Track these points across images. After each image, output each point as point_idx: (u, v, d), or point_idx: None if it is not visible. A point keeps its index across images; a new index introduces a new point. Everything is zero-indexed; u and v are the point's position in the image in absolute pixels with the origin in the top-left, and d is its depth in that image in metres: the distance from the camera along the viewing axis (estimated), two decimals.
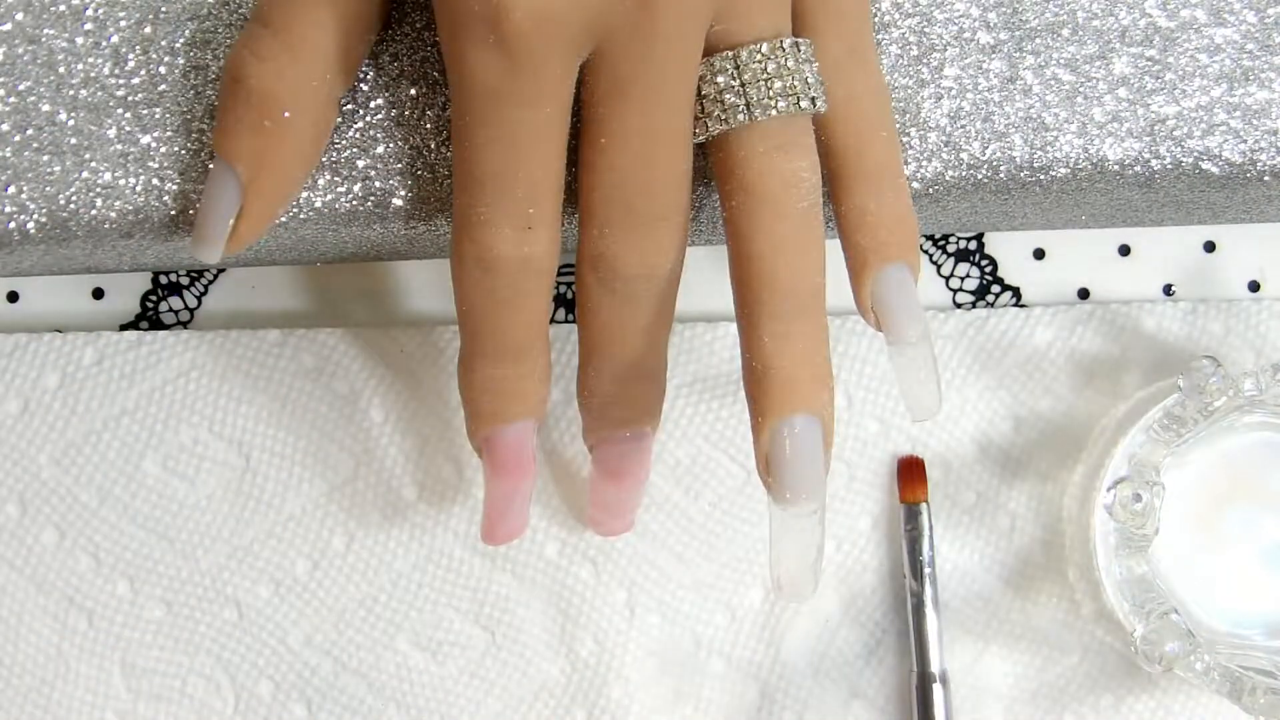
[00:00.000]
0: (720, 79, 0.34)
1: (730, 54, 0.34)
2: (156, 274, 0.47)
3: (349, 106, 0.38)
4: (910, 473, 0.45)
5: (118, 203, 0.38)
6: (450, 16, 0.33)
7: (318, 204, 0.39)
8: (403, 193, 0.39)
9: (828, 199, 0.37)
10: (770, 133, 0.35)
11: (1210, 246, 0.47)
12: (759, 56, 0.34)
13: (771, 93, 0.34)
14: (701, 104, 0.35)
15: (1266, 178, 0.40)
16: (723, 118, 0.34)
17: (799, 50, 0.35)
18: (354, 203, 0.39)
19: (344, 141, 0.39)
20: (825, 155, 0.36)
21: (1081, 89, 0.39)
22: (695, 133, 0.35)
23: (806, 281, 0.35)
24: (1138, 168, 0.40)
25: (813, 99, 0.35)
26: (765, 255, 0.34)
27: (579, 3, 0.32)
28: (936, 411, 0.37)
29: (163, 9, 0.38)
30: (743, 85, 0.34)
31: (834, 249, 0.37)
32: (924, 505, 0.45)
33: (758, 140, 0.35)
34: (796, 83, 0.34)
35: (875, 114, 0.36)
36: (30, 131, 0.38)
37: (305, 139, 0.36)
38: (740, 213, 0.35)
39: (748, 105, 0.34)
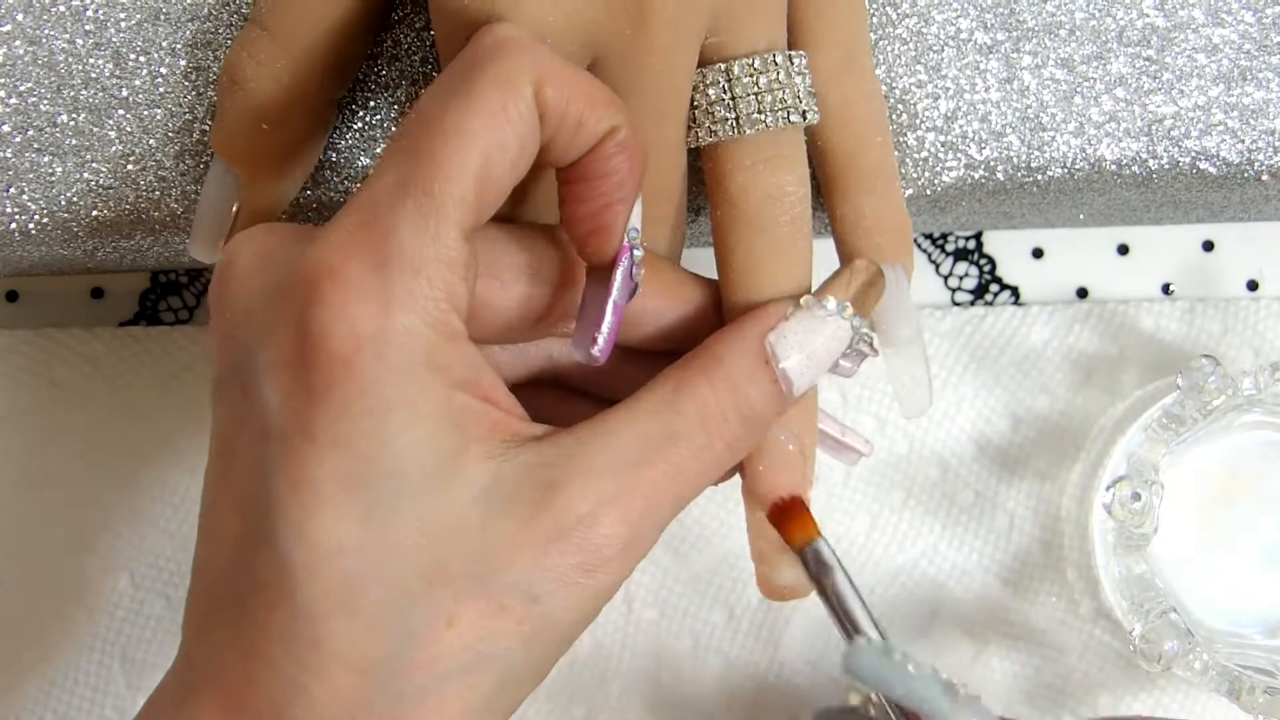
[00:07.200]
0: (712, 91, 0.35)
1: (723, 67, 0.34)
2: (155, 273, 0.47)
3: (349, 106, 0.39)
4: (790, 513, 0.34)
5: (118, 203, 0.38)
6: (447, 28, 0.33)
7: (317, 203, 0.39)
8: None
9: (822, 204, 0.37)
10: (758, 146, 0.35)
11: (1209, 245, 0.47)
12: (751, 70, 0.34)
13: (761, 107, 0.34)
14: (694, 114, 0.35)
15: (1264, 177, 0.40)
16: (713, 129, 0.35)
17: (791, 63, 0.35)
18: None
19: (344, 142, 0.39)
20: (821, 159, 0.37)
21: (1079, 89, 0.39)
22: (686, 141, 0.36)
23: (786, 294, 0.35)
24: (1135, 167, 0.40)
25: (803, 113, 0.35)
26: (746, 268, 0.34)
27: (574, 19, 0.32)
28: (928, 408, 0.37)
29: (163, 10, 0.38)
30: (734, 99, 0.34)
31: (828, 250, 0.37)
32: (820, 541, 0.34)
33: (745, 154, 0.35)
34: (787, 96, 0.34)
35: (871, 119, 0.37)
36: (31, 132, 0.38)
37: (303, 140, 0.36)
38: (723, 224, 0.35)
39: (737, 120, 0.34)
